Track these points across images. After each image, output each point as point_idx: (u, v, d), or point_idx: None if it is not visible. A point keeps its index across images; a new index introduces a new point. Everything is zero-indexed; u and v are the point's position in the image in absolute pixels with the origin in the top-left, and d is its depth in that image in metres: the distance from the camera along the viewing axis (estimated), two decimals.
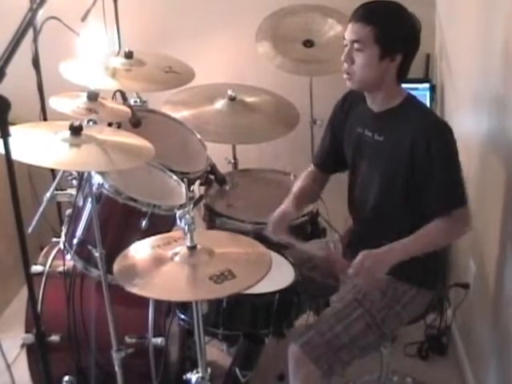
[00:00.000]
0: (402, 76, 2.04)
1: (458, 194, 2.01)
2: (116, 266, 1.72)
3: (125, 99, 2.51)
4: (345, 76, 2.05)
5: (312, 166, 2.37)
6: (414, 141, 1.98)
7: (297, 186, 2.32)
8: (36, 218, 2.25)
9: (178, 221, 1.68)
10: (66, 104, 2.11)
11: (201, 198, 2.25)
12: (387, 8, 2.01)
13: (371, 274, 1.96)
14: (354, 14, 2.01)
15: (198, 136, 2.72)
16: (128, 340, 2.25)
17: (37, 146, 1.83)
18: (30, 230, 2.04)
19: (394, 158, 2.04)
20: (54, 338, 2.29)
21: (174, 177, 2.40)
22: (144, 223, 2.13)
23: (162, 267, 1.68)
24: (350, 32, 2.00)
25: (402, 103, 2.06)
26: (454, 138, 2.00)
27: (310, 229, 2.65)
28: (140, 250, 1.80)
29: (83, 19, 2.78)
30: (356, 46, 1.98)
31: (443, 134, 2.00)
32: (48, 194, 2.34)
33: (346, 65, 2.02)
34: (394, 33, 1.98)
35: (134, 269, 1.72)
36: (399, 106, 2.06)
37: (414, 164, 2.00)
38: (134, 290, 1.61)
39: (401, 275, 2.04)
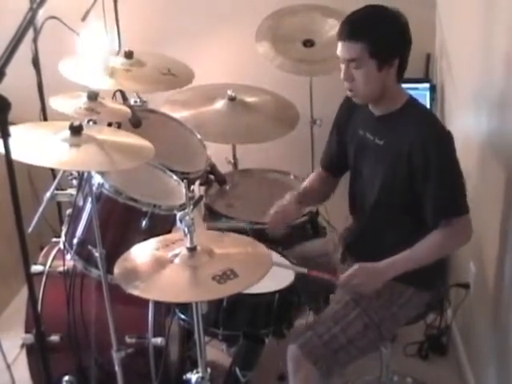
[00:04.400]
0: (401, 75, 2.03)
1: (456, 204, 1.98)
2: (117, 269, 1.72)
3: (125, 99, 2.51)
4: (348, 93, 2.04)
5: (320, 168, 2.37)
6: (412, 146, 1.96)
7: (304, 185, 2.34)
8: (36, 217, 2.25)
9: (179, 223, 1.68)
10: (66, 104, 2.11)
11: (200, 198, 2.25)
12: (372, 18, 1.98)
13: (358, 289, 1.99)
14: (341, 31, 1.97)
15: (198, 136, 2.72)
16: (128, 340, 2.25)
17: (37, 145, 1.83)
18: (30, 229, 2.04)
19: (393, 162, 2.02)
20: (54, 337, 2.29)
21: (174, 177, 2.39)
22: (144, 223, 2.13)
23: (163, 269, 1.68)
24: (342, 51, 1.96)
25: (403, 107, 2.04)
26: (454, 145, 1.98)
27: (310, 228, 2.65)
28: (140, 253, 1.79)
29: (83, 19, 2.77)
30: (352, 64, 1.96)
31: (442, 142, 1.97)
32: (48, 194, 2.34)
33: (346, 83, 2.00)
34: (386, 42, 1.94)
35: (135, 271, 1.71)
36: (400, 110, 2.03)
37: (411, 169, 1.98)
38: (136, 293, 1.61)
39: (398, 276, 2.05)
